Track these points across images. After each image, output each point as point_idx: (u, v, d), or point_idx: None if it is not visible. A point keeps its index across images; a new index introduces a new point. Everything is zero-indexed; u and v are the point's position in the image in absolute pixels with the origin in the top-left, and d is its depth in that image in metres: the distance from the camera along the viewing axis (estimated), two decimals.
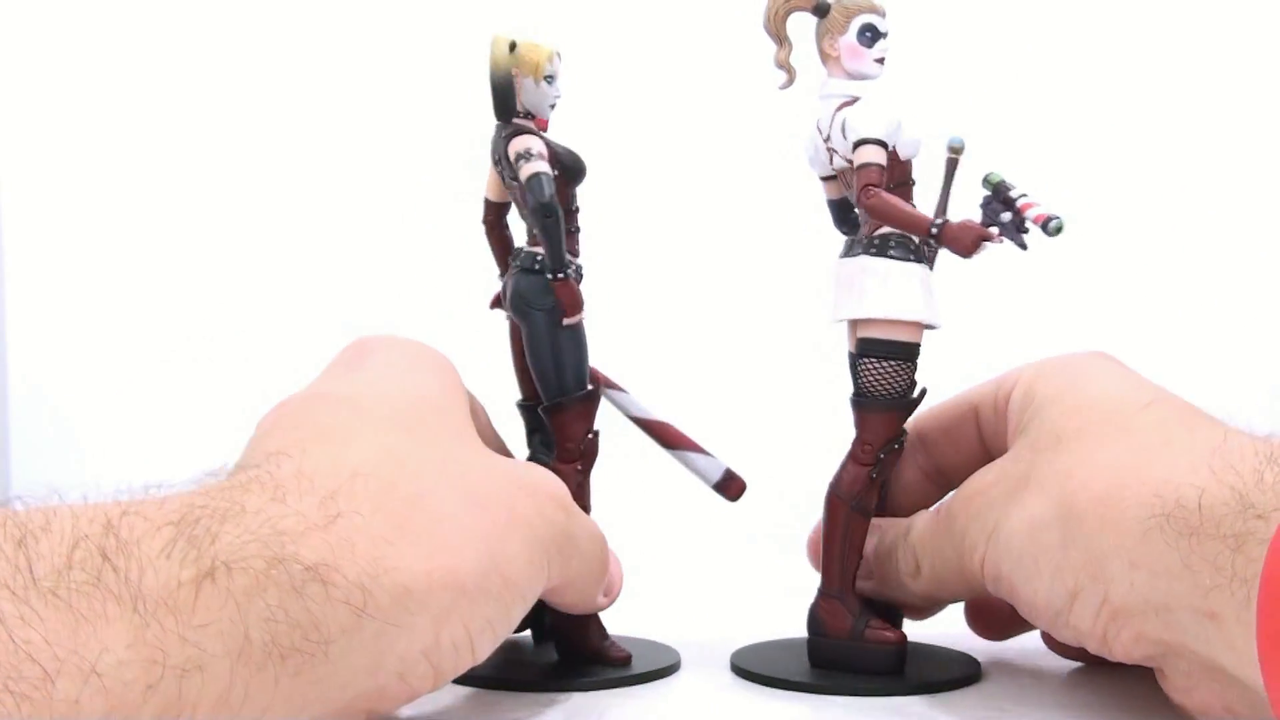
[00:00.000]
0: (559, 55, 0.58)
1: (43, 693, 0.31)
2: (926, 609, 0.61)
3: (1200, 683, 0.46)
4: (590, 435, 0.59)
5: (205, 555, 0.36)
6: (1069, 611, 0.48)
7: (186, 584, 0.35)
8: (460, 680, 0.54)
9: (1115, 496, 0.47)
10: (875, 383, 0.58)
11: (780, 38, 0.59)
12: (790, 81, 0.59)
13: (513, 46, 0.57)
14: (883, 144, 0.56)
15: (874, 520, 0.58)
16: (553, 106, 0.58)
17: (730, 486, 0.62)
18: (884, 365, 0.57)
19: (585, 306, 0.57)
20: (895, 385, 0.57)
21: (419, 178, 0.69)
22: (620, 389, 0.62)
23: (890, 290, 0.57)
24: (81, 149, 1.07)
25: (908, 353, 0.57)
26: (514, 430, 0.61)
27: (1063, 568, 0.48)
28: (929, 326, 0.58)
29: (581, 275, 0.58)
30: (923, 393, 0.59)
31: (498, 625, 0.45)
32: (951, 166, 0.57)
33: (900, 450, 0.59)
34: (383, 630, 0.40)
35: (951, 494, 0.57)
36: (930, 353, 0.58)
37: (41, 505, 0.36)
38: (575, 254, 0.58)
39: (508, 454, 0.58)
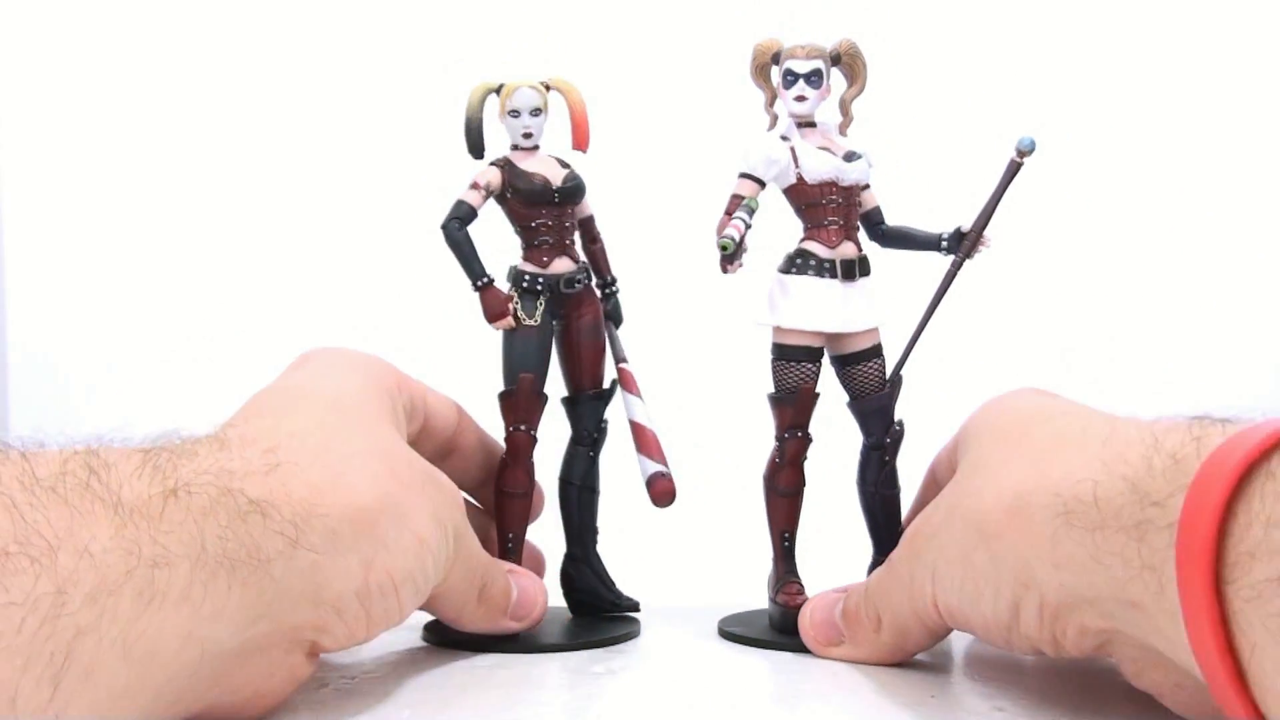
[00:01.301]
0: (535, 90, 0.66)
1: (49, 559, 0.38)
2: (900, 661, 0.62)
3: (1147, 665, 0.47)
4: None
5: (169, 478, 0.43)
6: (1017, 623, 0.50)
7: (155, 498, 0.42)
8: (494, 647, 0.63)
9: (1022, 504, 0.48)
10: (772, 378, 0.67)
11: (761, 87, 0.68)
12: (773, 126, 0.68)
13: (488, 92, 0.66)
14: (749, 176, 0.66)
15: (842, 587, 0.64)
16: (527, 135, 0.66)
17: (652, 488, 0.66)
18: (774, 363, 0.67)
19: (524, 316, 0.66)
20: (781, 381, 0.67)
21: (419, 178, 0.75)
22: (638, 394, 0.69)
23: (772, 299, 0.67)
24: (82, 150, 1.11)
25: (780, 353, 0.67)
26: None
27: (998, 584, 0.50)
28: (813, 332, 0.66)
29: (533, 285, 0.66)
30: (803, 391, 0.66)
31: (417, 578, 0.52)
32: (1012, 170, 0.64)
33: (802, 440, 0.67)
34: (317, 563, 0.47)
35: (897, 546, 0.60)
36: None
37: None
38: (543, 265, 0.67)
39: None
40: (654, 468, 0.66)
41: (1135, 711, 0.52)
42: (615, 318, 0.71)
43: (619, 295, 0.72)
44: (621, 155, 0.74)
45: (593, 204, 0.70)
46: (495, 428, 0.68)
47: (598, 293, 0.70)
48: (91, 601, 0.39)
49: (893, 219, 0.70)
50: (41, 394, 1.11)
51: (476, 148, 0.66)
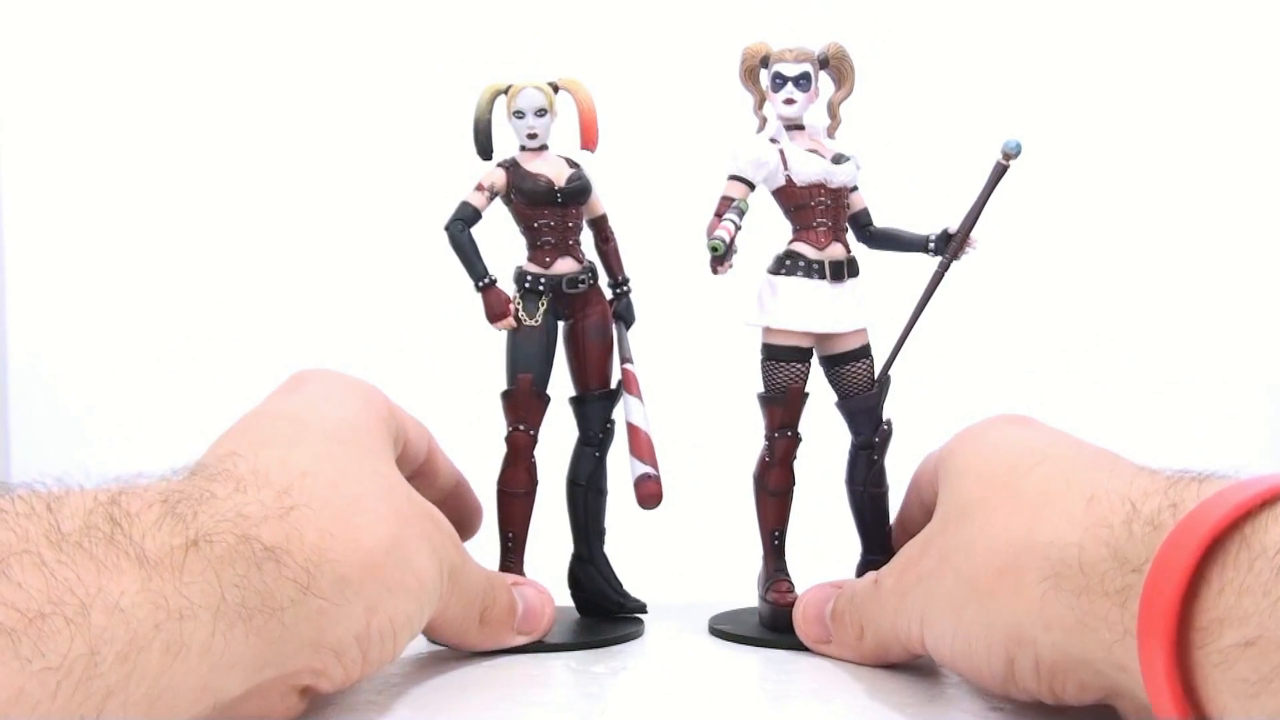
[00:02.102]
0: (540, 90, 0.66)
1: (83, 619, 0.38)
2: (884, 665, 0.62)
3: (1149, 716, 0.45)
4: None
5: (190, 528, 0.43)
6: (1013, 677, 0.50)
7: (177, 549, 0.42)
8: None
9: (1012, 565, 0.48)
10: (761, 378, 0.69)
11: (750, 90, 0.69)
12: (762, 128, 0.69)
13: (497, 94, 0.67)
14: (738, 178, 0.67)
15: (838, 582, 0.65)
16: (532, 136, 0.67)
17: (638, 489, 0.67)
18: (763, 364, 0.68)
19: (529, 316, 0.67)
20: (770, 381, 0.68)
21: (428, 179, 0.75)
22: (638, 396, 0.69)
23: (761, 300, 0.68)
24: (82, 150, 1.10)
25: (769, 353, 0.68)
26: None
27: (991, 641, 0.49)
28: (801, 332, 0.67)
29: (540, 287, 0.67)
30: (793, 391, 0.67)
31: (414, 621, 0.53)
32: (998, 172, 0.65)
33: (792, 439, 0.68)
34: (324, 609, 0.47)
35: (887, 565, 0.60)
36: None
37: (54, 486, 0.43)
38: (546, 266, 0.68)
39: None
40: (642, 469, 0.66)
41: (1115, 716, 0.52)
42: (626, 318, 0.72)
43: (631, 296, 0.72)
44: (628, 155, 0.75)
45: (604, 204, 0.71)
46: (497, 427, 0.68)
47: (606, 293, 0.71)
48: (122, 660, 0.39)
49: (880, 221, 0.70)
50: (41, 397, 1.10)
51: (485, 149, 0.67)
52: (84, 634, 0.38)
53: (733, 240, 0.65)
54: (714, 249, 0.64)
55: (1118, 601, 0.43)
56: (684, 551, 0.82)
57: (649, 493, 0.66)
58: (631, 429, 0.68)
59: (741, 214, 0.66)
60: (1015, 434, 0.57)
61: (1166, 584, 0.40)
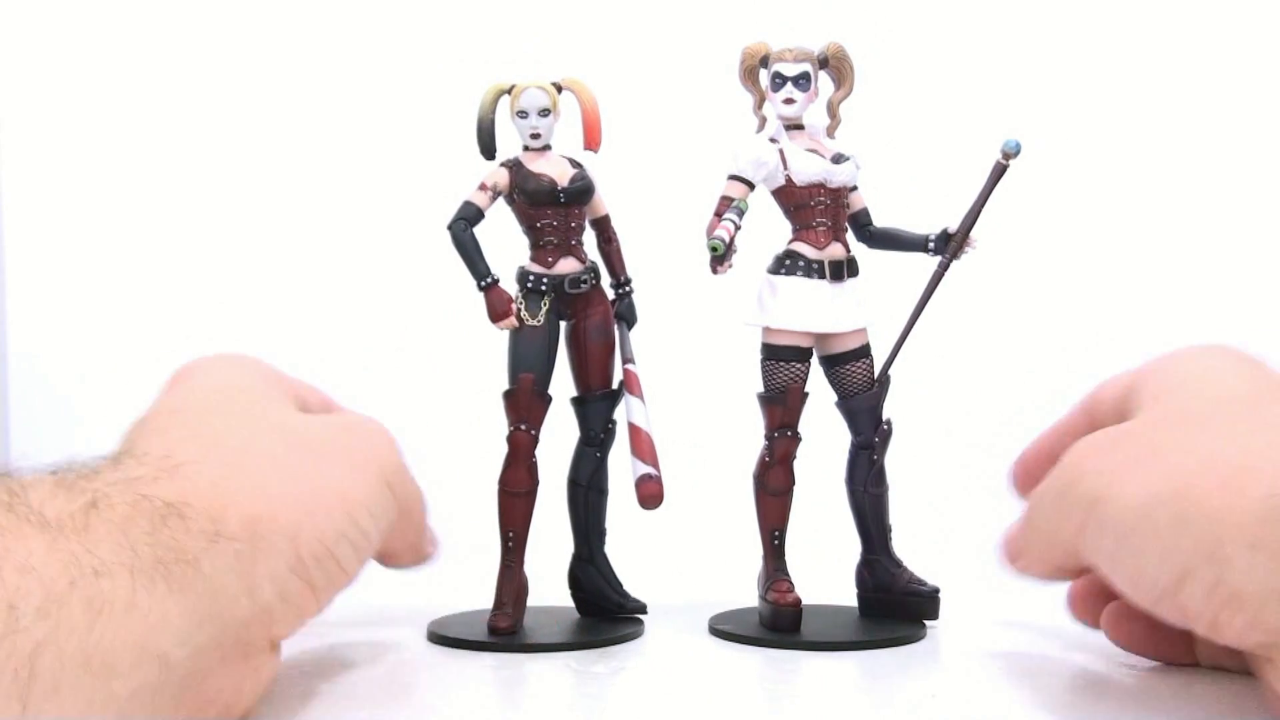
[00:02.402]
0: (543, 90, 0.67)
1: None
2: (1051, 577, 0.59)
3: None
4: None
5: (85, 493, 0.43)
6: (1177, 592, 0.47)
7: (78, 512, 0.42)
8: (483, 646, 0.64)
9: (1238, 480, 0.45)
10: (761, 378, 0.69)
11: (750, 90, 0.69)
12: (762, 128, 0.69)
13: (500, 94, 0.67)
14: (738, 178, 0.67)
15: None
16: (535, 136, 0.67)
17: (639, 489, 0.66)
18: (763, 363, 0.68)
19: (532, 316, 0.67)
20: (770, 381, 0.68)
21: (432, 179, 0.75)
22: (640, 397, 0.69)
23: (761, 300, 0.68)
24: (82, 150, 1.10)
25: (769, 353, 0.68)
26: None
27: (1174, 548, 0.47)
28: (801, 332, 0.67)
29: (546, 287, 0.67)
30: (793, 391, 0.67)
31: (351, 535, 0.51)
32: (998, 172, 0.65)
33: (792, 439, 0.68)
34: (241, 551, 0.46)
35: (1060, 461, 0.56)
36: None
37: None
38: (548, 266, 0.68)
39: None
40: (644, 469, 0.66)
41: (1134, 713, 0.52)
42: (628, 318, 0.71)
43: (633, 296, 0.72)
44: (630, 156, 0.74)
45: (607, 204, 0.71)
46: (498, 427, 0.68)
47: (608, 293, 0.71)
48: (43, 615, 0.38)
49: (880, 221, 0.71)
50: (42, 397, 1.11)
51: (488, 149, 0.67)
52: None
53: (732, 240, 0.65)
54: (714, 249, 0.64)
55: None
56: (684, 551, 0.82)
57: (650, 493, 0.66)
58: (633, 429, 0.68)
59: (741, 214, 0.66)
60: (1245, 364, 0.55)
61: None
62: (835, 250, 0.68)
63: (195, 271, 1.09)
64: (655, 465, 0.66)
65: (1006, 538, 0.61)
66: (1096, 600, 0.60)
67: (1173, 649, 0.58)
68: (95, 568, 0.41)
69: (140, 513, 0.44)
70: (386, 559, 0.61)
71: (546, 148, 0.68)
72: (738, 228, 0.65)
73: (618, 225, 0.71)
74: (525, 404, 0.67)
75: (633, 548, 0.71)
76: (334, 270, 1.08)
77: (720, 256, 0.64)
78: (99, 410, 1.04)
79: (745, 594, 0.71)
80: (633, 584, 0.70)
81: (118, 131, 1.10)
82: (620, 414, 0.69)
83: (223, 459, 0.49)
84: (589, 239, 0.70)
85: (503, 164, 0.67)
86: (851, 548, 0.71)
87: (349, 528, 0.51)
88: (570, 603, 0.71)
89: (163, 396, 0.57)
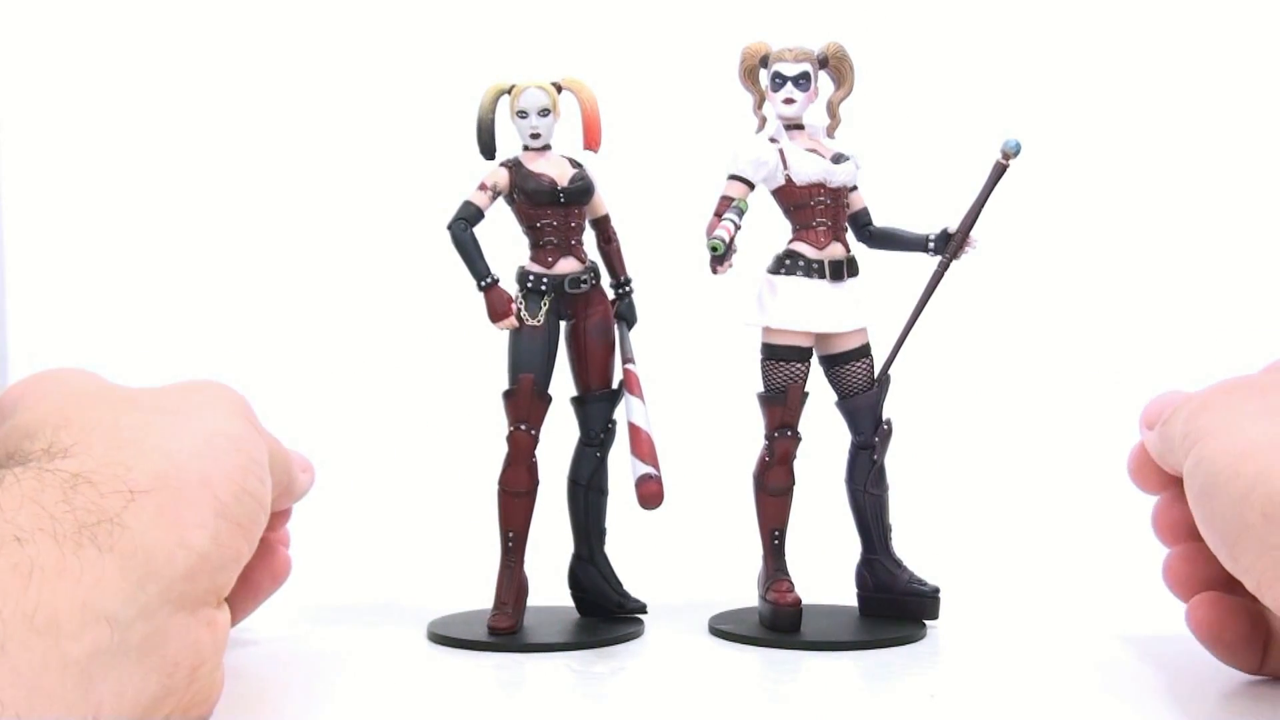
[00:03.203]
0: (543, 90, 0.67)
1: None
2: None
3: None
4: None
5: None
6: (1236, 543, 0.50)
7: None
8: (483, 646, 0.64)
9: None
10: (761, 378, 0.69)
11: (750, 90, 0.69)
12: (761, 128, 0.69)
13: (500, 94, 0.67)
14: (738, 177, 0.67)
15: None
16: (535, 136, 0.67)
17: (639, 489, 0.65)
18: (763, 363, 0.68)
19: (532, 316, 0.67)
20: (770, 380, 0.68)
21: (432, 179, 0.75)
22: (640, 397, 0.68)
23: (761, 299, 0.68)
24: (82, 150, 1.10)
25: (769, 353, 0.68)
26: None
27: (1240, 505, 0.49)
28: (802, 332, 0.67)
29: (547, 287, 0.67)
30: (793, 391, 0.67)
31: (254, 468, 0.52)
32: (998, 172, 0.65)
33: (791, 439, 0.68)
34: (163, 503, 0.46)
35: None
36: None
37: None
38: (548, 266, 0.68)
39: None
40: (644, 469, 0.65)
41: (1134, 713, 0.52)
42: (628, 318, 0.71)
43: (633, 296, 0.72)
44: (631, 156, 0.74)
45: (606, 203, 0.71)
46: (498, 427, 0.68)
47: (608, 293, 0.70)
48: None
49: (880, 220, 0.70)
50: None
51: (488, 148, 0.67)
52: None
53: (732, 240, 0.65)
54: (714, 249, 0.64)
55: None
56: (684, 551, 0.83)
57: (650, 493, 0.65)
58: (633, 429, 0.67)
59: (741, 214, 0.66)
60: None
61: None
62: (835, 250, 0.68)
63: (194, 271, 1.10)
64: (655, 465, 0.66)
65: (1135, 451, 0.62)
66: (1191, 582, 0.60)
67: (1242, 655, 0.58)
68: (17, 535, 0.41)
69: (48, 485, 0.44)
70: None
71: (546, 148, 0.68)
72: (738, 227, 0.65)
73: (618, 225, 0.71)
74: (525, 404, 0.67)
75: (633, 548, 0.71)
76: (334, 271, 1.08)
77: (720, 256, 0.64)
78: None
79: (745, 594, 0.71)
80: (633, 584, 0.70)
81: (118, 132, 1.10)
82: (620, 414, 0.69)
83: (105, 438, 0.49)
84: (589, 239, 0.70)
85: (502, 164, 0.67)
86: (851, 548, 0.71)
87: (248, 461, 0.52)
88: (570, 603, 0.71)
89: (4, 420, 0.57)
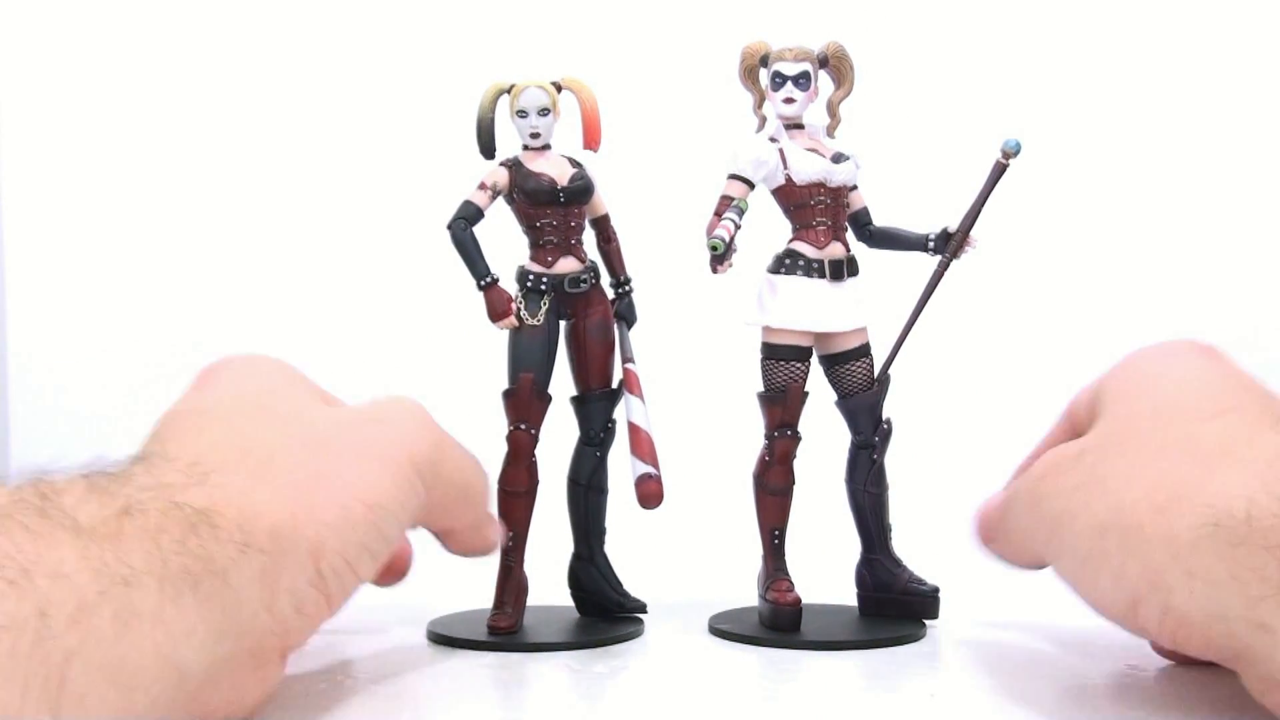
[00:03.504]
0: (543, 89, 0.67)
1: (27, 581, 0.37)
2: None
3: (1272, 686, 0.45)
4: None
5: (118, 498, 0.43)
6: (1134, 615, 0.49)
7: (110, 518, 0.41)
8: (483, 645, 0.64)
9: (1173, 506, 0.47)
10: (761, 377, 0.69)
11: (750, 89, 0.69)
12: (762, 127, 0.69)
13: (500, 93, 0.67)
14: (738, 177, 0.67)
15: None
16: (535, 135, 0.67)
17: (639, 488, 0.66)
18: (763, 363, 0.68)
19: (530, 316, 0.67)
20: (770, 380, 0.68)
21: (432, 179, 0.75)
22: (640, 396, 0.68)
23: (761, 299, 0.68)
24: (82, 150, 1.10)
25: (769, 352, 0.68)
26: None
27: (1123, 574, 0.48)
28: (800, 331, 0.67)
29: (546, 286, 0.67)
30: (793, 390, 0.67)
31: (373, 546, 0.51)
32: (998, 171, 0.65)
33: (791, 438, 0.68)
34: (268, 565, 0.46)
35: (1029, 469, 0.58)
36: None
37: None
38: (548, 265, 0.68)
39: None
40: (643, 469, 0.66)
41: (1135, 713, 0.52)
42: (628, 318, 0.71)
43: (633, 296, 0.72)
44: (631, 155, 0.74)
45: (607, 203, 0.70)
46: (498, 427, 0.68)
47: (608, 292, 0.70)
48: (74, 623, 0.38)
49: (880, 219, 0.70)
50: (41, 400, 1.10)
51: (488, 148, 0.67)
52: (30, 596, 0.37)
53: (732, 239, 0.65)
54: (714, 248, 0.64)
55: (1278, 556, 0.42)
56: (684, 551, 0.82)
57: (649, 492, 0.65)
58: (633, 428, 0.68)
59: (741, 213, 0.66)
60: (1202, 369, 0.55)
61: None
62: (835, 250, 0.68)
63: (194, 272, 1.10)
64: (655, 465, 0.66)
65: (983, 516, 0.62)
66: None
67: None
68: (125, 577, 0.40)
69: (172, 520, 0.44)
70: (447, 539, 0.61)
71: (546, 147, 0.68)
72: (738, 227, 0.65)
73: (618, 225, 0.71)
74: (525, 403, 0.67)
75: (633, 548, 0.71)
76: (334, 270, 1.08)
77: (720, 256, 0.64)
78: (99, 411, 1.07)
79: (746, 594, 0.71)
80: (633, 584, 0.70)
81: (118, 132, 1.10)
82: (620, 413, 0.69)
83: (250, 467, 0.49)
84: (589, 238, 0.70)
85: (502, 163, 0.67)
86: (852, 547, 0.71)
87: (372, 538, 0.51)
88: (570, 602, 0.70)
89: (190, 395, 0.57)
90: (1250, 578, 0.43)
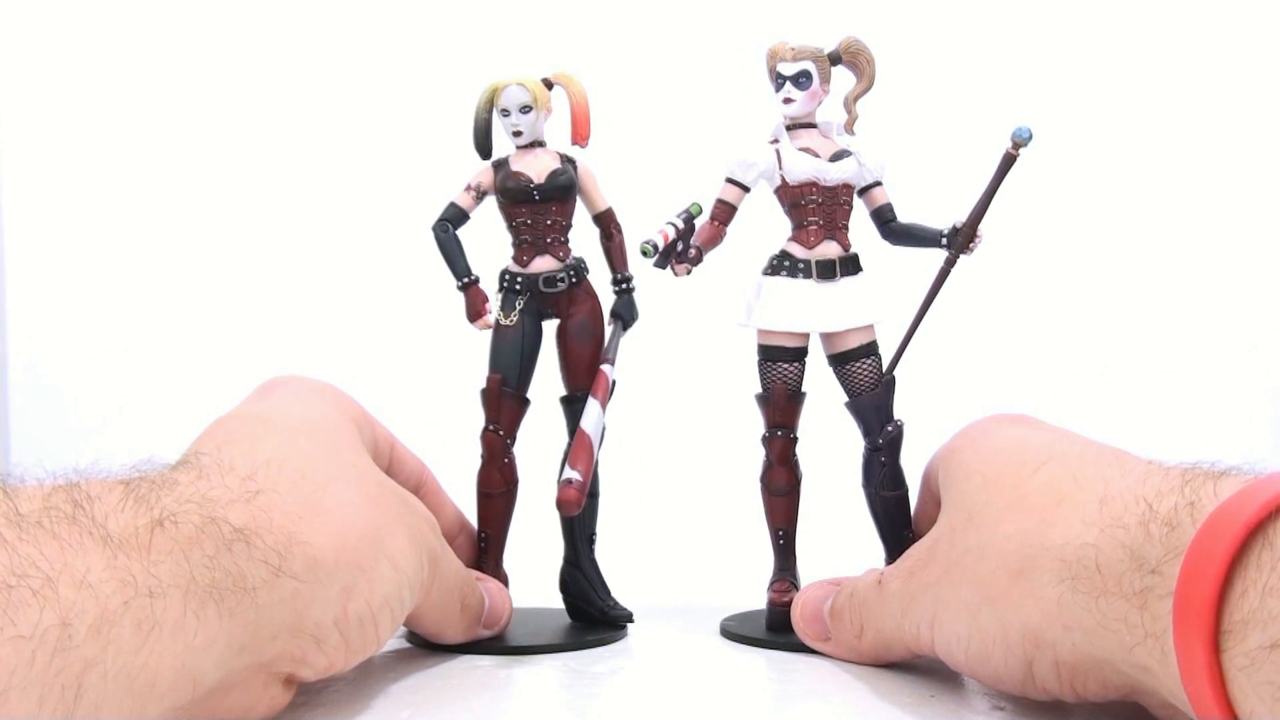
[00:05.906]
0: (523, 87, 0.66)
1: (50, 591, 0.38)
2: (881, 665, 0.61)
3: (1176, 713, 0.46)
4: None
5: (154, 509, 0.43)
6: (1032, 679, 0.49)
7: (142, 529, 0.42)
8: (478, 649, 0.63)
9: (1028, 569, 0.48)
10: (759, 378, 0.68)
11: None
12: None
13: (495, 92, 0.67)
14: (731, 180, 0.67)
15: (837, 579, 0.64)
16: (517, 133, 0.66)
17: (558, 493, 0.63)
18: (759, 364, 0.68)
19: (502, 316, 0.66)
20: (762, 381, 0.68)
21: (424, 181, 0.75)
22: (600, 400, 0.66)
23: (749, 301, 0.68)
24: (83, 152, 1.12)
25: (763, 353, 0.68)
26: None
27: (1009, 645, 0.49)
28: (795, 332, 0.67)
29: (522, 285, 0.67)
30: (775, 391, 0.67)
31: (394, 606, 0.52)
32: (1007, 163, 0.63)
33: (785, 439, 0.68)
34: (298, 591, 0.47)
35: (893, 565, 0.59)
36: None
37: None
38: (524, 265, 0.67)
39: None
40: (570, 473, 0.63)
41: (1134, 712, 0.51)
42: (625, 316, 0.70)
43: (633, 294, 0.70)
44: (631, 154, 0.74)
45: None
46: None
47: (594, 290, 0.69)
48: (95, 633, 0.39)
49: (904, 216, 0.69)
50: (41, 398, 1.11)
51: (483, 147, 0.67)
52: (53, 606, 0.38)
53: (674, 244, 0.64)
54: (644, 253, 0.63)
55: (1137, 604, 0.43)
56: (689, 553, 0.82)
57: (566, 498, 0.62)
58: (578, 432, 0.65)
59: (691, 216, 0.65)
60: (1017, 433, 0.57)
61: (1200, 587, 0.39)
62: (827, 249, 0.67)
63: (193, 272, 1.11)
64: (585, 472, 0.63)
65: (810, 617, 0.63)
66: None
67: None
68: (151, 588, 0.41)
69: (207, 536, 0.44)
70: (423, 629, 0.61)
71: (536, 144, 0.67)
72: (679, 230, 0.64)
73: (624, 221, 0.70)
74: (494, 404, 0.66)
75: (634, 548, 0.71)
76: (331, 270, 1.09)
77: (662, 261, 0.63)
78: (99, 412, 1.09)
79: (756, 597, 0.70)
80: (634, 585, 0.70)
81: (118, 133, 1.12)
82: (617, 416, 0.68)
83: (303, 494, 0.49)
84: (582, 237, 0.69)
85: (492, 163, 0.67)
86: (862, 548, 0.69)
87: (394, 600, 0.52)
88: (562, 605, 0.70)
89: (251, 402, 0.58)
90: (1119, 627, 0.44)
